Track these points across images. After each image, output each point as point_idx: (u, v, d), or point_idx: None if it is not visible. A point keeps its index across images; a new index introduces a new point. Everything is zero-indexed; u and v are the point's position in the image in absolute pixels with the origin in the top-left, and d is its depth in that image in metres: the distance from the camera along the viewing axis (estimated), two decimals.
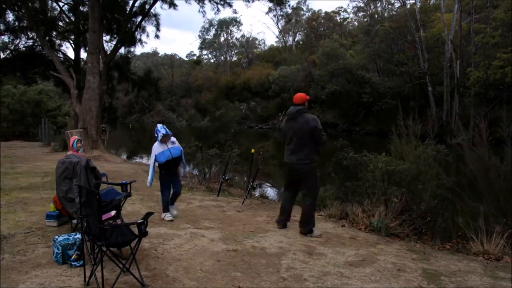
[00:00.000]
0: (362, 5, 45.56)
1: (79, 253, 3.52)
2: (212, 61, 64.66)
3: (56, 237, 3.68)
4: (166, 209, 5.31)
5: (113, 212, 3.94)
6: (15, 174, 8.63)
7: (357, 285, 3.36)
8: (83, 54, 19.45)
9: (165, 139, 5.10)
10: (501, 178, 4.90)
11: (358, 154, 6.34)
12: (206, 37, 61.60)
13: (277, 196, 9.00)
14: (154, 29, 19.48)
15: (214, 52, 63.65)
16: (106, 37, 18.88)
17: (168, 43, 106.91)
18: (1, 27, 17.32)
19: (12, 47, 18.43)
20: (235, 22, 52.47)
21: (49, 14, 17.85)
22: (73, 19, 18.24)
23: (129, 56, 21.07)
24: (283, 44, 59.71)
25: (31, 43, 18.74)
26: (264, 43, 69.33)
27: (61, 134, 15.94)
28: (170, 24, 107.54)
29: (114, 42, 18.05)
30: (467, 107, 24.48)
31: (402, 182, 5.51)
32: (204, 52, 64.88)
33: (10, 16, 17.30)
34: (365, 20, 42.41)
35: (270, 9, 51.29)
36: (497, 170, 4.93)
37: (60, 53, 19.15)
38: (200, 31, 66.49)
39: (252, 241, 4.49)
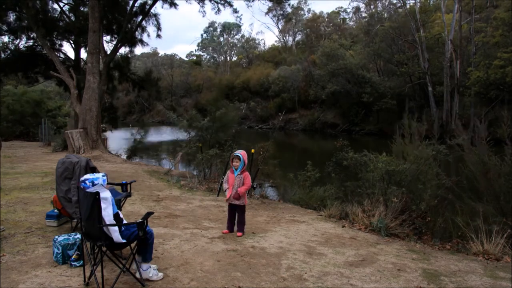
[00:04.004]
0: (362, 5, 45.61)
1: (79, 253, 3.52)
2: (212, 61, 64.68)
3: (56, 237, 3.68)
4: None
5: None
6: (15, 174, 8.63)
7: (357, 285, 3.36)
8: (83, 54, 19.46)
9: None
10: (501, 178, 4.90)
11: (358, 154, 6.35)
12: (207, 37, 61.69)
13: (278, 196, 9.00)
14: (154, 29, 19.36)
15: (214, 54, 63.69)
16: (106, 37, 18.91)
17: (167, 43, 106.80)
18: (2, 27, 17.32)
19: (12, 47, 18.44)
20: (237, 26, 52.53)
21: (49, 14, 17.83)
22: (74, 19, 18.21)
23: (129, 56, 21.06)
24: (283, 44, 59.72)
25: (31, 43, 18.75)
26: (264, 43, 69.35)
27: (61, 134, 15.93)
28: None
29: (114, 42, 18.06)
30: (467, 107, 24.49)
31: (402, 182, 5.51)
32: (204, 52, 65.00)
33: (10, 16, 17.30)
34: (365, 20, 42.38)
35: (270, 9, 51.24)
36: (497, 170, 4.93)
37: (60, 53, 19.16)
38: (202, 32, 66.56)
39: (252, 241, 4.49)
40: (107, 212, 3.03)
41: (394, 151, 6.25)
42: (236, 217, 4.77)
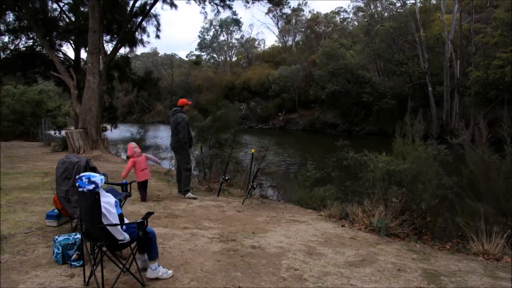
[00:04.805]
0: (362, 5, 45.60)
1: (79, 253, 3.52)
2: (212, 61, 64.70)
3: (56, 237, 3.68)
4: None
5: None
6: (15, 174, 8.62)
7: (357, 285, 3.36)
8: (83, 54, 19.46)
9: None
10: (501, 178, 4.90)
11: (358, 154, 6.34)
12: (206, 37, 61.71)
13: (278, 196, 9.00)
14: (154, 29, 19.41)
15: (214, 54, 63.67)
16: (106, 37, 18.89)
17: (168, 43, 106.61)
18: (1, 27, 17.33)
19: (12, 47, 18.43)
20: (236, 22, 52.46)
21: (49, 14, 17.83)
22: (73, 19, 18.20)
23: (129, 56, 21.08)
24: (283, 44, 59.71)
25: (31, 43, 18.75)
26: (264, 43, 69.31)
27: (61, 134, 15.95)
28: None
29: (114, 42, 18.05)
30: (467, 107, 24.50)
31: (402, 182, 5.51)
32: (204, 52, 65.02)
33: (10, 16, 17.31)
34: (365, 20, 42.37)
35: (269, 10, 51.24)
36: (497, 169, 4.93)
37: (60, 53, 19.15)
38: (200, 31, 66.60)
39: (252, 241, 4.49)
40: (112, 217, 3.05)
41: (394, 151, 6.25)
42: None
